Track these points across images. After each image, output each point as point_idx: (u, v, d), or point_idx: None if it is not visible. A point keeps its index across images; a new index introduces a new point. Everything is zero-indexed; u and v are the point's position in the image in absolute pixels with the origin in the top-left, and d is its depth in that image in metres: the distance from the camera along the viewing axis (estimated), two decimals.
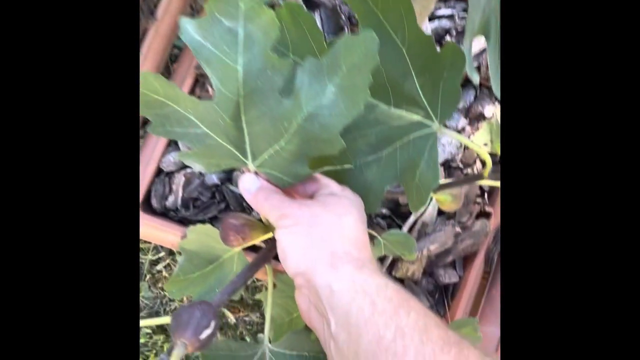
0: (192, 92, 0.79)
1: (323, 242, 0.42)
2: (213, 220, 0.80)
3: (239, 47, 0.41)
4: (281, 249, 0.44)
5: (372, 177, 0.51)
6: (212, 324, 0.41)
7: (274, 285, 0.73)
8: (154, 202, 0.79)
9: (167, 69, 0.90)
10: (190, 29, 0.40)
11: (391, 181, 0.51)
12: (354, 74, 0.40)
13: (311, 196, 0.49)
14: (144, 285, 1.16)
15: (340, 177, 0.50)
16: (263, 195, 0.47)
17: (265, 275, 0.81)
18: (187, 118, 0.44)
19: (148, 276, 1.17)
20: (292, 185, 0.48)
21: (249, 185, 0.48)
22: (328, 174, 0.51)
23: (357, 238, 0.43)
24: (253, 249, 0.82)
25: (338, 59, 0.40)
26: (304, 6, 0.46)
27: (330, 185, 0.48)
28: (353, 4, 0.45)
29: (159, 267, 1.17)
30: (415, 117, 0.50)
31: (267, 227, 0.55)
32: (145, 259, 1.17)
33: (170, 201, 0.78)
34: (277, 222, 0.45)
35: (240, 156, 0.47)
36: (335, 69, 0.40)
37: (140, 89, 0.41)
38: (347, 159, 0.48)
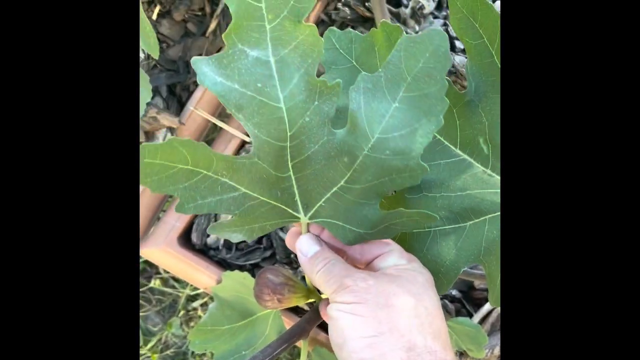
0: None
1: (397, 332, 0.33)
2: (254, 268, 0.72)
3: (275, 80, 0.33)
4: (338, 331, 0.35)
5: (448, 252, 0.43)
6: None
7: (308, 355, 0.64)
8: (194, 237, 0.72)
9: None
10: (208, 69, 0.33)
11: (471, 261, 0.42)
12: (423, 81, 0.32)
13: (368, 264, 0.40)
14: (175, 322, 1.09)
15: (405, 244, 0.42)
16: (321, 260, 0.39)
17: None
18: (221, 183, 0.37)
19: (182, 312, 1.11)
20: (352, 243, 0.40)
21: (306, 248, 0.40)
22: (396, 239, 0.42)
23: (439, 330, 0.35)
24: (294, 309, 0.72)
25: (399, 67, 0.32)
26: (403, 29, 0.38)
27: (396, 252, 0.39)
28: (461, 35, 0.38)
29: (196, 304, 1.11)
30: None
31: (311, 292, 0.46)
32: (183, 293, 1.10)
33: (212, 238, 0.71)
34: (333, 295, 0.36)
35: (290, 210, 0.39)
36: (397, 80, 0.33)
37: (164, 162, 0.34)
38: (427, 216, 0.38)
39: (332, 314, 0.35)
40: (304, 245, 0.40)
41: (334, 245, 0.41)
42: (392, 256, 0.39)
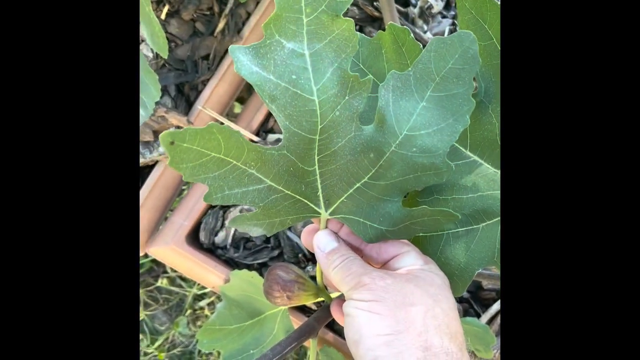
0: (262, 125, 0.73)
1: (414, 331, 0.33)
2: (262, 267, 0.71)
3: (309, 73, 0.34)
4: (354, 329, 0.35)
5: (462, 254, 0.42)
6: None
7: (317, 355, 0.64)
8: (202, 236, 0.72)
9: (249, 91, 0.84)
10: (245, 59, 0.33)
11: (485, 263, 0.42)
12: (451, 82, 0.33)
13: (384, 264, 0.40)
14: (182, 321, 1.09)
15: (419, 247, 0.41)
16: (339, 257, 0.38)
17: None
18: (249, 174, 0.37)
19: (189, 311, 1.11)
20: (371, 241, 0.40)
21: (324, 243, 0.40)
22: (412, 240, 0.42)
23: (456, 331, 0.35)
24: (301, 308, 0.72)
25: (428, 67, 0.33)
26: (411, 32, 0.37)
27: (413, 253, 0.39)
28: (464, 27, 0.37)
29: (203, 303, 1.11)
30: None
31: (321, 291, 0.46)
32: (190, 292, 1.10)
33: (220, 237, 0.71)
34: (350, 293, 0.36)
35: (312, 205, 0.39)
36: (426, 80, 0.34)
37: (200, 148, 0.34)
38: (449, 214, 0.38)
39: (349, 311, 0.35)
40: (321, 241, 0.40)
41: (351, 243, 0.41)
42: (409, 257, 0.38)
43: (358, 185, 0.37)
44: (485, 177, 0.41)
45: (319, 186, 0.39)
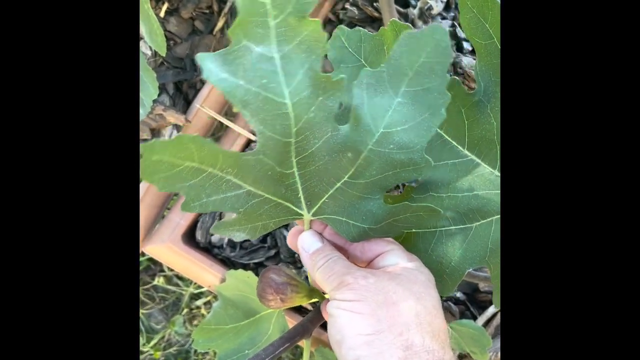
0: None
1: (395, 330, 0.33)
2: (259, 267, 0.71)
3: (280, 76, 0.33)
4: (336, 328, 0.35)
5: (454, 253, 0.42)
6: None
7: (311, 355, 0.64)
8: (199, 235, 0.71)
9: None
10: (213, 66, 0.32)
11: (477, 262, 0.42)
12: (425, 76, 0.33)
13: (369, 263, 0.39)
14: (179, 320, 1.09)
15: (409, 244, 0.41)
16: (323, 257, 0.38)
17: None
18: (226, 180, 0.36)
19: (185, 310, 1.11)
20: (355, 240, 0.40)
21: (308, 244, 0.40)
22: (398, 238, 0.41)
23: (439, 329, 0.35)
24: (297, 308, 0.72)
25: (401, 62, 0.33)
26: (412, 29, 0.37)
27: (397, 251, 0.38)
28: (471, 35, 0.37)
29: (199, 302, 1.10)
30: None
31: (314, 291, 0.46)
32: (187, 291, 1.10)
33: (216, 236, 0.71)
34: (333, 293, 0.36)
35: (294, 207, 0.39)
36: (399, 75, 0.33)
37: (172, 159, 0.33)
38: (431, 210, 0.38)
39: (332, 312, 0.35)
40: (305, 242, 0.40)
41: (335, 243, 0.41)
42: (393, 255, 0.38)
43: (338, 185, 0.37)
44: (482, 177, 0.41)
45: (300, 188, 0.38)
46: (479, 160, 0.41)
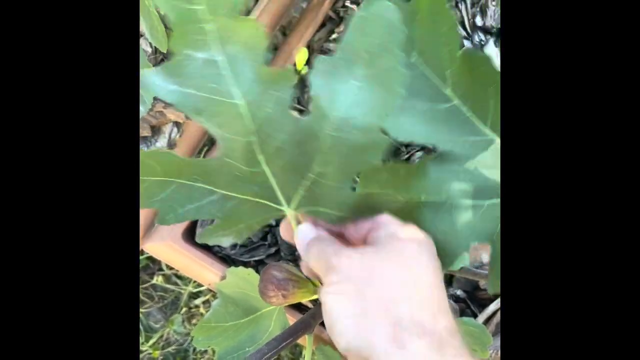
0: None
1: (382, 306, 0.31)
2: (259, 264, 0.71)
3: (227, 78, 0.33)
4: (327, 315, 0.33)
5: (462, 226, 0.41)
6: None
7: (313, 354, 0.64)
8: (199, 233, 0.71)
9: None
10: (158, 80, 0.33)
11: (482, 239, 0.41)
12: (379, 57, 0.32)
13: (364, 241, 0.38)
14: (177, 319, 1.09)
15: (416, 215, 0.40)
16: (316, 245, 0.37)
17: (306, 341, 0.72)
18: (197, 188, 0.37)
19: (184, 309, 1.11)
20: (343, 224, 0.39)
21: (302, 236, 0.38)
22: (400, 212, 0.40)
23: (431, 299, 0.32)
24: (298, 306, 0.72)
25: (354, 46, 0.32)
26: (446, 2, 0.37)
27: (389, 223, 0.36)
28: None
29: (198, 301, 1.11)
30: None
31: (316, 287, 0.46)
32: (185, 290, 1.10)
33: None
34: (323, 279, 0.35)
35: (273, 205, 0.39)
36: (354, 59, 0.33)
37: (140, 178, 0.35)
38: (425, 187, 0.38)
39: (322, 299, 0.33)
40: (300, 235, 0.39)
41: (332, 229, 0.39)
42: (383, 228, 0.36)
43: (311, 175, 0.37)
44: (498, 156, 0.40)
45: (274, 185, 0.38)
46: (493, 136, 0.40)
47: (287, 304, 0.48)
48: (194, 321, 1.11)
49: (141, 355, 1.07)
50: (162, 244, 0.70)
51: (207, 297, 1.10)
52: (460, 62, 0.37)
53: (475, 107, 0.39)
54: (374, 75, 0.33)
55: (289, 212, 0.39)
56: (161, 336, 1.09)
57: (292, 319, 0.67)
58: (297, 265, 0.70)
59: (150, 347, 1.08)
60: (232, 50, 0.33)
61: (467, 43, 0.75)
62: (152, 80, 0.33)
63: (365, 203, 0.38)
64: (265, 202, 0.39)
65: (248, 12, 0.76)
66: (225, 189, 0.37)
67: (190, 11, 0.32)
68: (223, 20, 0.32)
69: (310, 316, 0.46)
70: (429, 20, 0.37)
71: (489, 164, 0.41)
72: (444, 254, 0.38)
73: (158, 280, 1.10)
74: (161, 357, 1.07)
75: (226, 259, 0.73)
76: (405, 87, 0.34)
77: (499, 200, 0.40)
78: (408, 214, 0.40)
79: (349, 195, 0.37)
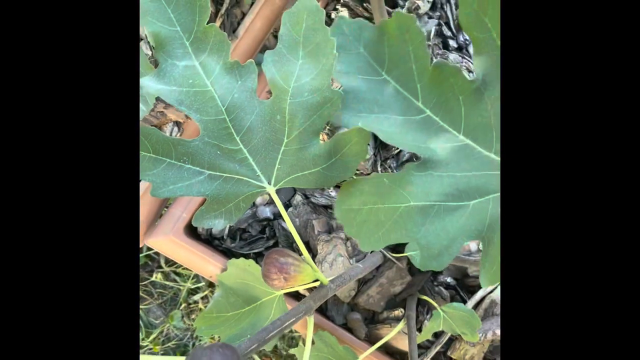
0: None
1: None
2: (258, 257, 0.73)
3: (202, 75, 0.42)
4: None
5: (452, 227, 0.44)
6: None
7: (312, 342, 0.66)
8: (200, 228, 0.73)
9: None
10: (151, 83, 0.42)
11: (473, 236, 0.43)
12: (312, 36, 0.41)
13: None
14: (177, 314, 1.11)
15: (408, 218, 0.43)
16: None
17: (304, 328, 0.74)
18: (186, 169, 0.44)
19: (183, 305, 1.13)
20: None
21: None
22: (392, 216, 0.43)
23: None
24: (296, 296, 0.75)
25: (291, 35, 0.41)
26: (416, 20, 0.40)
27: None
28: (469, 29, 0.39)
29: (197, 297, 1.12)
30: None
31: (316, 271, 0.48)
32: (184, 286, 1.12)
33: (216, 229, 0.73)
34: None
35: (254, 182, 0.45)
36: (294, 44, 0.41)
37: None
38: (362, 133, 0.42)
39: None
40: None
41: None
42: None
43: (282, 148, 0.43)
44: (479, 159, 0.43)
45: (253, 163, 0.44)
46: (474, 145, 0.43)
47: (288, 287, 0.51)
48: (193, 316, 1.13)
49: (142, 351, 1.09)
50: (165, 239, 0.72)
51: (205, 292, 1.13)
52: (430, 75, 0.41)
53: (447, 117, 0.42)
54: (310, 51, 0.41)
55: (270, 188, 0.45)
56: (161, 332, 1.11)
57: (290, 307, 0.70)
58: (298, 252, 0.72)
59: (150, 342, 1.10)
60: (205, 56, 0.42)
61: (452, 42, 0.79)
62: (147, 84, 0.42)
63: (335, 149, 0.43)
64: (248, 179, 0.45)
65: (243, 16, 0.79)
66: (211, 168, 0.44)
67: (172, 31, 0.41)
68: (197, 35, 0.41)
69: (311, 298, 0.49)
70: (398, 39, 0.41)
71: (467, 167, 0.43)
72: (439, 253, 0.42)
73: (157, 277, 1.12)
74: (161, 352, 1.09)
75: (226, 252, 0.75)
76: (337, 49, 0.41)
77: (482, 199, 0.43)
78: (399, 218, 0.43)
79: (318, 147, 0.43)
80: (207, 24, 0.42)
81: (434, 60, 0.40)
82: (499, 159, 0.43)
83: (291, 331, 1.11)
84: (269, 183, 0.45)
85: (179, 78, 0.42)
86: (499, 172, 0.43)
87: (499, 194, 0.43)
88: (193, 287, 1.13)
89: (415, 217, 0.43)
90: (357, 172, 0.73)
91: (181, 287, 1.13)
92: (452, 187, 0.43)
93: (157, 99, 0.69)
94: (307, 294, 0.75)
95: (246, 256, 0.73)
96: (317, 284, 0.52)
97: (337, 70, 0.41)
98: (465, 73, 0.44)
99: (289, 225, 0.48)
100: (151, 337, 1.10)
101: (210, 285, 1.12)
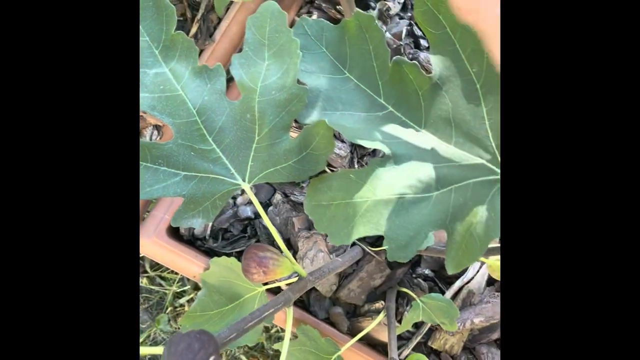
0: None
1: None
2: (240, 256, 0.75)
3: (172, 80, 0.44)
4: None
5: (418, 218, 0.45)
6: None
7: (295, 337, 0.68)
8: (182, 229, 0.75)
9: None
10: None
11: (439, 226, 0.45)
12: (275, 38, 0.42)
13: None
14: (163, 318, 1.12)
15: (374, 212, 0.44)
16: None
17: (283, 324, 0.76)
18: (162, 171, 0.45)
19: (169, 308, 1.13)
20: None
21: None
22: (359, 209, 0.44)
23: None
24: (278, 291, 0.76)
25: (256, 38, 0.42)
26: (375, 19, 0.42)
27: None
28: (425, 26, 0.40)
29: (182, 300, 1.13)
30: (479, 161, 0.43)
31: (294, 264, 0.50)
32: (170, 290, 1.13)
33: (199, 230, 0.74)
34: None
35: (229, 179, 0.46)
36: (259, 47, 0.43)
37: None
38: (326, 126, 0.43)
39: None
40: None
41: None
42: None
43: (254, 145, 0.45)
44: (439, 152, 0.45)
45: (226, 161, 0.45)
46: (435, 138, 0.45)
47: (267, 280, 0.52)
48: (179, 320, 1.14)
49: None
50: (148, 241, 0.73)
51: (191, 295, 1.13)
52: (391, 72, 0.43)
53: (408, 112, 0.44)
54: (275, 52, 0.43)
55: (245, 185, 0.46)
56: (148, 336, 1.12)
57: None
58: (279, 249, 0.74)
59: None
60: (174, 62, 0.43)
61: (423, 42, 0.81)
62: None
63: (304, 144, 0.45)
64: (222, 177, 0.46)
65: (219, 21, 0.81)
66: (185, 170, 0.45)
67: (141, 42, 0.43)
68: (165, 44, 0.43)
69: (290, 290, 0.51)
70: (359, 38, 0.43)
71: (429, 160, 0.45)
72: (406, 244, 0.43)
73: (143, 282, 1.13)
74: (149, 356, 1.09)
75: (209, 252, 0.76)
76: (300, 49, 0.43)
77: (444, 190, 0.45)
78: (366, 212, 0.44)
79: (289, 143, 0.45)
80: (176, 31, 0.44)
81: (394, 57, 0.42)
82: (459, 151, 0.45)
83: (278, 331, 1.12)
84: (244, 180, 0.46)
85: (150, 85, 0.43)
86: (458, 163, 0.45)
87: (460, 184, 0.45)
88: (179, 290, 1.13)
89: (381, 210, 0.45)
90: (335, 169, 0.74)
91: (167, 291, 1.14)
92: (415, 180, 0.45)
93: None
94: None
95: (229, 255, 0.74)
96: (296, 278, 0.54)
97: (301, 69, 0.43)
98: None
99: (267, 222, 0.49)
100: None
101: (196, 288, 1.13)
